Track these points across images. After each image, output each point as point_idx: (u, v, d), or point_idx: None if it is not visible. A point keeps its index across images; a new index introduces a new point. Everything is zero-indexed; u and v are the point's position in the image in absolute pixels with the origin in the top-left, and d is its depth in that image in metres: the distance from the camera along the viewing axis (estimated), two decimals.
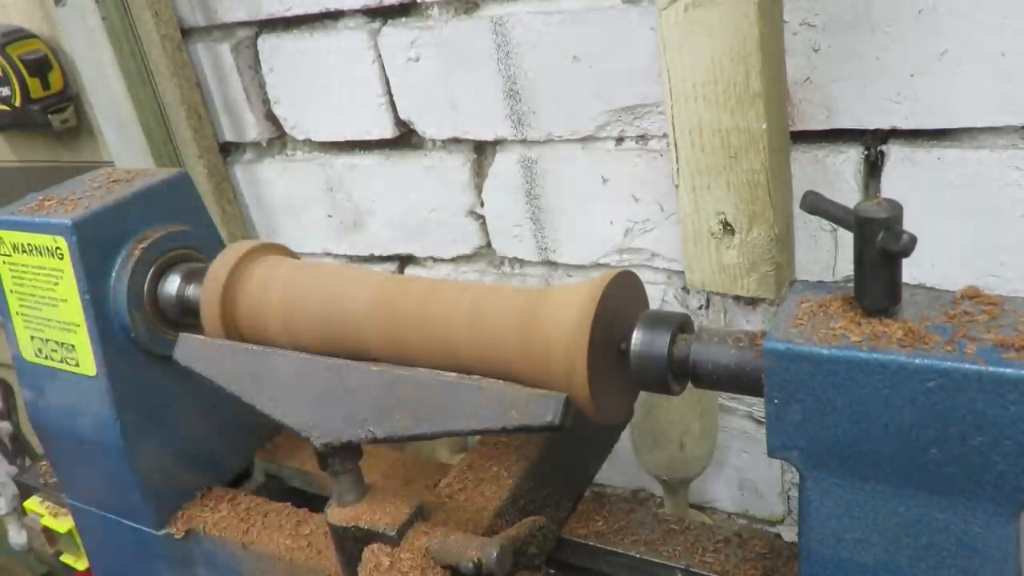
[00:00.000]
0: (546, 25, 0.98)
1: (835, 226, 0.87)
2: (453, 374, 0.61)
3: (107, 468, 0.82)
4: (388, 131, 1.16)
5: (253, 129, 1.28)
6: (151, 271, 0.78)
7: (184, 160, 1.27)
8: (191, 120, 1.26)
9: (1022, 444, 0.45)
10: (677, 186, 0.91)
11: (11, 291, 0.80)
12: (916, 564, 0.51)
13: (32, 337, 0.81)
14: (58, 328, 0.78)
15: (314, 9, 1.13)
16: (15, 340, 0.82)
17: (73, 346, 0.78)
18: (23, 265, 0.78)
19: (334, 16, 1.13)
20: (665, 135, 0.95)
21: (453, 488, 0.74)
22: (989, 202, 0.83)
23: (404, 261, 1.27)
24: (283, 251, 0.78)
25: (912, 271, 0.89)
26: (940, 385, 0.46)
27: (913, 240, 0.47)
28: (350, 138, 1.20)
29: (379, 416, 0.61)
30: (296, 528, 0.80)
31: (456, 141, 1.13)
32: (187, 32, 1.25)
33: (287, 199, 1.31)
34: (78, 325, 0.76)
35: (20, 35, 1.41)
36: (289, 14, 1.15)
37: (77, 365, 0.78)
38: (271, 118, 1.27)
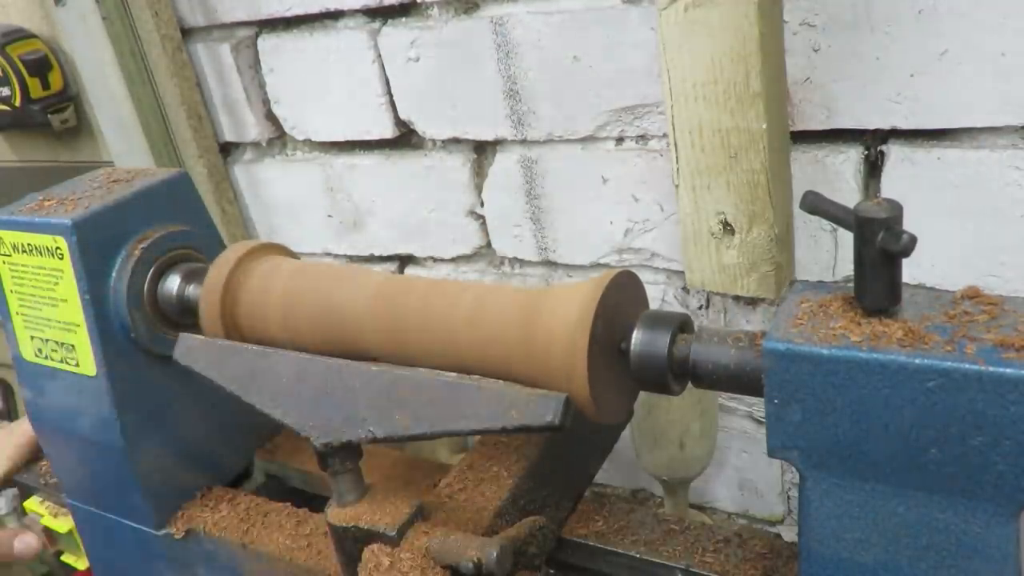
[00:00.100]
0: (546, 25, 0.98)
1: (835, 226, 0.87)
2: (453, 374, 0.61)
3: (107, 468, 0.82)
4: (388, 131, 1.16)
5: (253, 129, 1.28)
6: (151, 271, 0.78)
7: (184, 160, 1.27)
8: (191, 120, 1.26)
9: (1022, 444, 0.45)
10: (677, 186, 0.91)
11: (11, 291, 0.80)
12: (916, 564, 0.51)
13: (32, 337, 0.81)
14: (58, 328, 0.78)
15: (314, 9, 1.13)
16: (15, 340, 0.82)
17: (73, 346, 0.78)
18: (23, 265, 0.78)
19: (334, 16, 1.13)
20: (665, 135, 0.95)
21: (453, 488, 0.74)
22: (989, 202, 0.83)
23: (404, 261, 1.27)
24: (283, 251, 0.78)
25: (912, 271, 0.89)
26: (940, 385, 0.46)
27: (913, 240, 0.47)
28: (350, 138, 1.20)
29: (379, 416, 0.61)
30: (296, 528, 0.80)
31: (456, 141, 1.13)
32: (187, 32, 1.25)
33: (287, 199, 1.31)
34: (78, 325, 0.76)
35: (20, 35, 1.41)
36: (289, 14, 1.15)
37: (77, 365, 0.78)
38: (271, 118, 1.27)
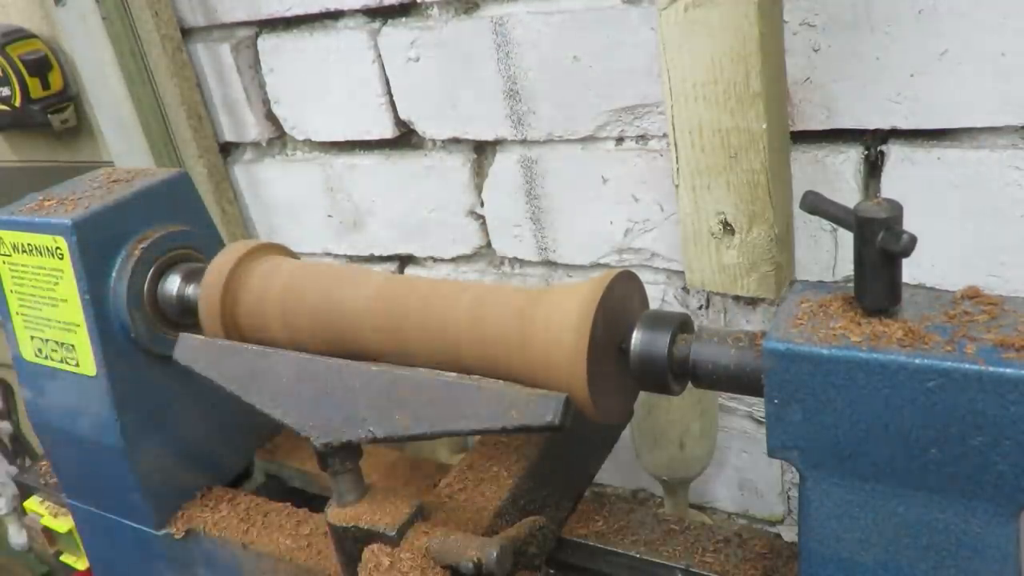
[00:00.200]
0: (546, 25, 0.98)
1: (835, 226, 0.87)
2: (453, 374, 0.61)
3: (107, 468, 0.82)
4: (388, 131, 1.16)
5: (253, 129, 1.28)
6: (151, 271, 0.78)
7: (184, 160, 1.27)
8: (191, 120, 1.26)
9: (1022, 444, 0.45)
10: (677, 186, 0.91)
11: (11, 291, 0.80)
12: (916, 564, 0.51)
13: (32, 337, 0.81)
14: (58, 328, 0.78)
15: (314, 9, 1.13)
16: (15, 340, 0.82)
17: (73, 346, 0.78)
18: (23, 265, 0.78)
19: (334, 16, 1.13)
20: (665, 135, 0.95)
21: (453, 488, 0.74)
22: (989, 202, 0.83)
23: (404, 261, 1.27)
24: (283, 251, 0.78)
25: (912, 271, 0.89)
26: (940, 385, 0.46)
27: (913, 240, 0.47)
28: (350, 138, 1.20)
29: (379, 416, 0.61)
30: (296, 528, 0.80)
31: (456, 141, 1.13)
32: (187, 32, 1.25)
33: (287, 199, 1.31)
34: (78, 325, 0.76)
35: (20, 35, 1.41)
36: (289, 14, 1.15)
37: (77, 365, 0.78)
38: (271, 118, 1.27)
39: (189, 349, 0.70)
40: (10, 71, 1.38)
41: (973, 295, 0.51)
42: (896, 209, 0.49)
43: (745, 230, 0.88)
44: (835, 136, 0.89)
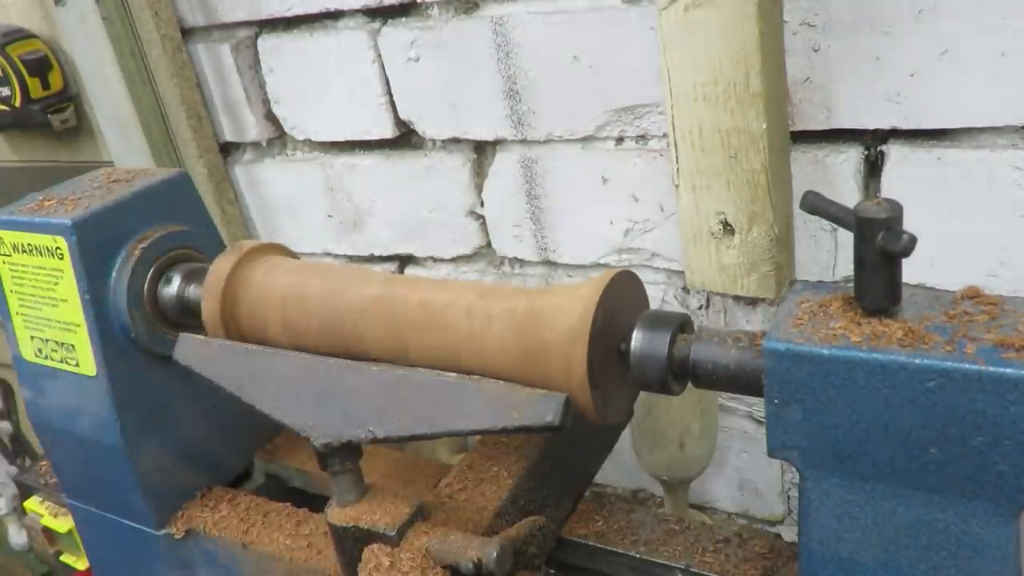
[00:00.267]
0: (546, 25, 0.98)
1: (835, 226, 0.87)
2: (453, 374, 0.61)
3: (107, 468, 0.82)
4: (388, 131, 1.16)
5: (253, 129, 1.28)
6: (151, 271, 0.78)
7: (184, 160, 1.27)
8: (191, 120, 1.26)
9: (1022, 444, 0.45)
10: (677, 186, 0.91)
11: (11, 291, 0.80)
12: (916, 564, 0.51)
13: (32, 337, 0.81)
14: (58, 328, 0.78)
15: (314, 9, 1.13)
16: (15, 340, 0.82)
17: (73, 346, 0.78)
18: (23, 265, 0.78)
19: (334, 16, 1.13)
20: (665, 135, 0.95)
21: (453, 488, 0.74)
22: (989, 202, 0.83)
23: (404, 261, 1.27)
24: (283, 251, 0.78)
25: (912, 271, 0.89)
26: (940, 385, 0.46)
27: (913, 240, 0.47)
28: (350, 138, 1.20)
29: (379, 416, 0.61)
30: (296, 528, 0.80)
31: (456, 141, 1.13)
32: (187, 32, 1.25)
33: (287, 199, 1.31)
34: (78, 325, 0.76)
35: (20, 35, 1.41)
36: (289, 14, 1.15)
37: (77, 365, 0.78)
38: (271, 118, 1.27)
39: (189, 349, 0.70)
40: (10, 71, 1.38)
41: (973, 295, 0.51)
42: (896, 209, 0.49)
43: (745, 230, 0.88)
44: (835, 136, 0.89)
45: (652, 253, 1.04)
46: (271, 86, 1.24)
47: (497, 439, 0.78)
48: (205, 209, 0.85)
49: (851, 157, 0.89)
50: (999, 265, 0.85)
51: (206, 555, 0.83)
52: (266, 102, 1.26)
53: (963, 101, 0.81)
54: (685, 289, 1.05)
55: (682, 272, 1.00)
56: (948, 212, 0.86)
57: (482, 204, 1.14)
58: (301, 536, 0.78)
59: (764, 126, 0.82)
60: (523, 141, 1.07)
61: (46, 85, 1.41)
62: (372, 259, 1.29)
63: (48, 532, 1.02)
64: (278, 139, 1.29)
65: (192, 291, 0.77)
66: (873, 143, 0.88)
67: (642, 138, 0.99)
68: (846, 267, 0.93)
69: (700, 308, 1.05)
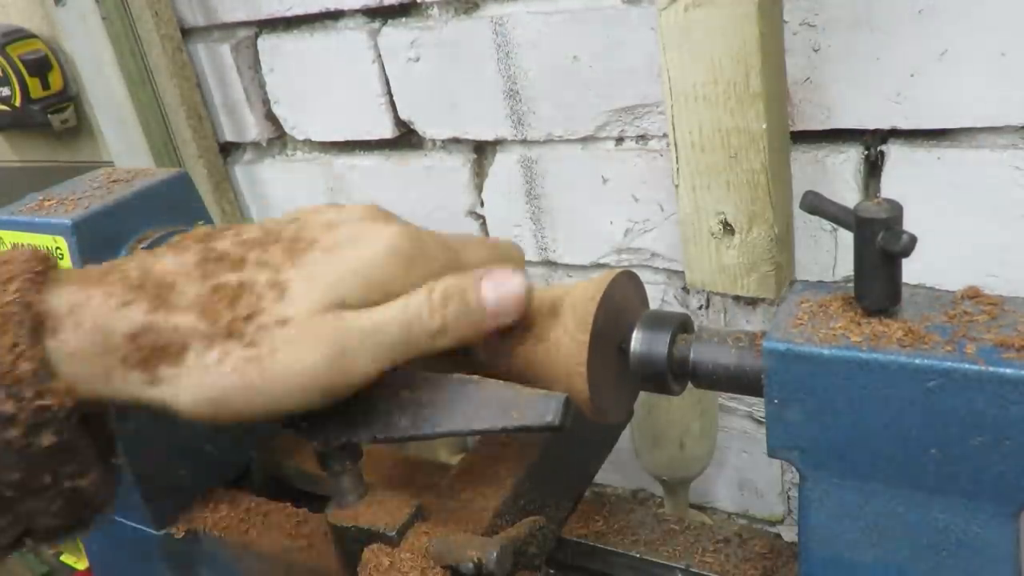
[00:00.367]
0: (546, 25, 0.98)
1: (835, 226, 0.87)
2: (453, 374, 0.61)
3: None
4: (388, 131, 1.16)
5: (253, 129, 1.28)
6: None
7: (184, 160, 1.27)
8: (191, 120, 1.26)
9: (1022, 444, 0.45)
10: (677, 186, 0.91)
11: None
12: (916, 564, 0.51)
13: None
14: None
15: (314, 9, 1.13)
16: None
17: None
18: None
19: (334, 16, 1.13)
20: (665, 135, 0.95)
21: (453, 488, 0.74)
22: (989, 202, 0.83)
23: None
24: None
25: (912, 271, 0.89)
26: (940, 385, 0.46)
27: (913, 240, 0.47)
28: (350, 138, 1.20)
29: (379, 416, 0.61)
30: (296, 528, 0.79)
31: (456, 141, 1.13)
32: (187, 32, 1.25)
33: (287, 199, 1.31)
34: None
35: (20, 35, 1.41)
36: (289, 14, 1.15)
37: None
38: (271, 118, 1.27)
39: None
40: (10, 71, 1.38)
41: (973, 295, 0.51)
42: (896, 209, 0.49)
43: (745, 230, 0.88)
44: (835, 136, 0.89)
45: (652, 253, 1.04)
46: (271, 86, 1.24)
47: (497, 439, 0.78)
48: (205, 209, 0.85)
49: (851, 157, 0.89)
50: (999, 265, 0.85)
51: (206, 555, 0.83)
52: (266, 102, 1.26)
53: (963, 101, 0.81)
54: (685, 289, 1.05)
55: (682, 272, 1.00)
56: (948, 212, 0.86)
57: (482, 204, 1.14)
58: (301, 536, 0.78)
59: (764, 126, 0.82)
60: (523, 141, 1.07)
61: (46, 85, 1.41)
62: None
63: None
64: (278, 139, 1.29)
65: None
66: (873, 143, 0.88)
67: (642, 138, 0.99)
68: (846, 267, 0.93)
69: (700, 308, 1.05)
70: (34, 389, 0.42)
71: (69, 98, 1.45)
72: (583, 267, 1.11)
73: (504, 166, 1.10)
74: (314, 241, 0.51)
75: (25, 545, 0.49)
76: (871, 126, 0.87)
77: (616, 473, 1.24)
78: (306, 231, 0.51)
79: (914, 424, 0.47)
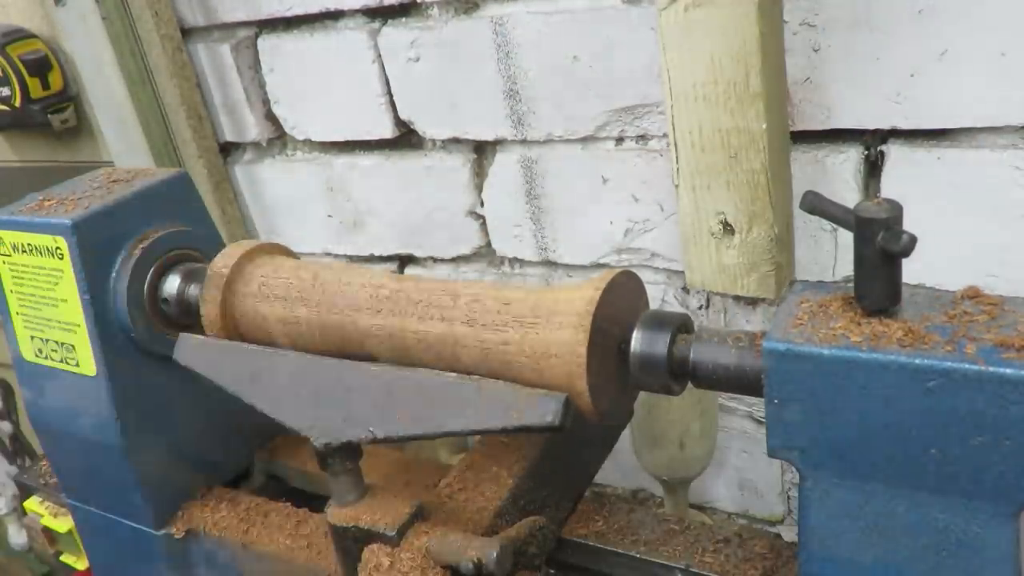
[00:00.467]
0: (546, 25, 0.98)
1: (835, 226, 0.87)
2: (453, 374, 0.61)
3: (107, 468, 0.82)
4: (388, 131, 1.16)
5: (253, 129, 1.28)
6: (151, 271, 0.78)
7: (184, 160, 1.27)
8: (191, 120, 1.26)
9: (1022, 444, 0.45)
10: (677, 186, 0.91)
11: (11, 291, 0.80)
12: (916, 564, 0.51)
13: (32, 337, 0.81)
14: (58, 328, 0.78)
15: (314, 9, 1.13)
16: (15, 340, 0.82)
17: (73, 346, 0.78)
18: (23, 265, 0.78)
19: (334, 16, 1.13)
20: (665, 135, 0.95)
21: (453, 488, 0.74)
22: (989, 202, 0.83)
23: (404, 261, 1.27)
24: (283, 251, 0.78)
25: (912, 271, 0.89)
26: (940, 385, 0.46)
27: (913, 240, 0.47)
28: (350, 138, 1.20)
29: (379, 416, 0.61)
30: (296, 528, 0.80)
31: (456, 141, 1.13)
32: (187, 32, 1.25)
33: (287, 199, 1.31)
34: (78, 325, 0.76)
35: (20, 35, 1.41)
36: (289, 14, 1.15)
37: (77, 365, 0.78)
38: (271, 118, 1.27)
39: (189, 349, 0.70)
40: (10, 71, 1.38)
41: (973, 295, 0.51)
42: (896, 209, 0.49)
43: (745, 230, 0.88)
44: (835, 136, 0.89)
45: (652, 253, 1.04)
46: (271, 86, 1.24)
47: (497, 439, 0.78)
48: (205, 209, 0.85)
49: (851, 157, 0.89)
50: (999, 265, 0.85)
51: (206, 555, 0.83)
52: (266, 102, 1.26)
53: (963, 101, 0.81)
54: (685, 289, 1.05)
55: (682, 272, 1.00)
56: (948, 212, 0.86)
57: (482, 204, 1.14)
58: (301, 536, 0.78)
59: (764, 126, 0.82)
60: (523, 141, 1.07)
61: (46, 85, 1.41)
62: (372, 259, 1.29)
63: (48, 532, 1.02)
64: (278, 139, 1.29)
65: (192, 291, 0.77)
66: (873, 143, 0.88)
67: (642, 138, 0.99)
68: (846, 267, 0.93)
69: (700, 308, 1.05)
70: None
71: (69, 98, 1.45)
72: (583, 267, 1.11)
73: (504, 166, 1.10)
74: None
75: None
76: (871, 126, 0.87)
77: (616, 473, 1.24)
78: None
79: (914, 424, 0.47)
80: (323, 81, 1.18)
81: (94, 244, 0.75)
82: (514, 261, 1.17)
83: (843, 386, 0.48)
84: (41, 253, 0.76)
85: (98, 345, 0.76)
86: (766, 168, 0.84)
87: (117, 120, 1.26)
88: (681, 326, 0.59)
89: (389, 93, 1.13)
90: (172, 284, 0.78)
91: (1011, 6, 0.76)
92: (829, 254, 0.93)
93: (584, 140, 1.03)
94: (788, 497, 1.13)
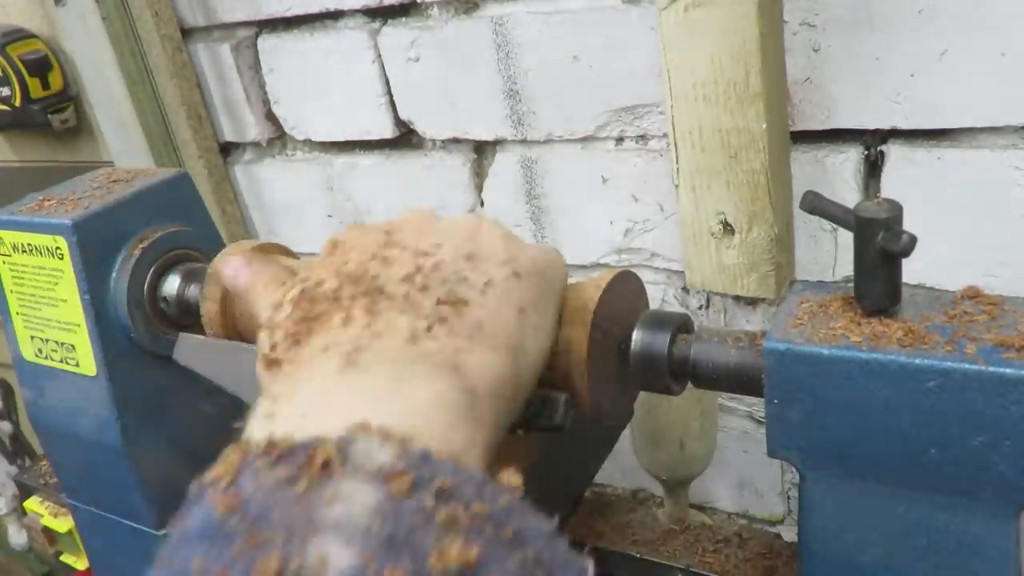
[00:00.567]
0: (546, 25, 0.98)
1: (835, 226, 0.87)
2: None
3: (107, 468, 0.82)
4: (388, 131, 1.16)
5: (253, 129, 1.28)
6: (151, 271, 0.78)
7: (184, 160, 1.27)
8: (191, 120, 1.26)
9: (1022, 444, 0.45)
10: (677, 186, 0.91)
11: (11, 291, 0.80)
12: (916, 564, 0.51)
13: (32, 337, 0.81)
14: (58, 328, 0.78)
15: (314, 9, 1.13)
16: (15, 340, 0.82)
17: (73, 346, 0.77)
18: (23, 265, 0.78)
19: (334, 16, 1.13)
20: (665, 135, 0.95)
21: None
22: (989, 202, 0.83)
23: None
24: (282, 251, 0.77)
25: (912, 271, 0.89)
26: (940, 385, 0.46)
27: (913, 240, 0.47)
28: (350, 138, 1.20)
29: None
30: None
31: (456, 141, 1.13)
32: (187, 32, 1.25)
33: (287, 199, 1.31)
34: (78, 325, 0.76)
35: (20, 35, 1.41)
36: (289, 14, 1.15)
37: (77, 365, 0.78)
38: (271, 118, 1.27)
39: (189, 349, 0.70)
40: (10, 71, 1.38)
41: (973, 295, 0.51)
42: (896, 209, 0.49)
43: (745, 230, 0.88)
44: (835, 136, 0.89)
45: (652, 253, 1.04)
46: (271, 86, 1.24)
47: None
48: (205, 209, 0.85)
49: (851, 157, 0.89)
50: (999, 265, 0.85)
51: None
52: (266, 102, 1.26)
53: (963, 101, 0.81)
54: (685, 289, 1.04)
55: (682, 272, 1.00)
56: (948, 212, 0.86)
57: (482, 204, 1.14)
58: None
59: (764, 126, 0.82)
60: (523, 141, 1.07)
61: (46, 85, 1.41)
62: None
63: (48, 532, 1.02)
64: (278, 139, 1.29)
65: (192, 291, 0.77)
66: (873, 143, 0.88)
67: (642, 138, 0.99)
68: (846, 267, 0.93)
69: (700, 308, 1.05)
70: None
71: (69, 98, 1.45)
72: (583, 267, 1.11)
73: (504, 166, 1.10)
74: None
75: None
76: (871, 126, 0.87)
77: (616, 473, 1.24)
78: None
79: (914, 424, 0.47)
80: (323, 81, 1.18)
81: (94, 244, 0.75)
82: None
83: (843, 386, 0.48)
84: (41, 253, 0.76)
85: (98, 345, 0.76)
86: (766, 168, 0.84)
87: (117, 120, 1.26)
88: (681, 326, 0.59)
89: (389, 93, 1.13)
90: (172, 284, 0.78)
91: (1011, 6, 0.76)
92: (829, 254, 0.93)
93: (584, 140, 1.03)
94: (788, 497, 1.13)
